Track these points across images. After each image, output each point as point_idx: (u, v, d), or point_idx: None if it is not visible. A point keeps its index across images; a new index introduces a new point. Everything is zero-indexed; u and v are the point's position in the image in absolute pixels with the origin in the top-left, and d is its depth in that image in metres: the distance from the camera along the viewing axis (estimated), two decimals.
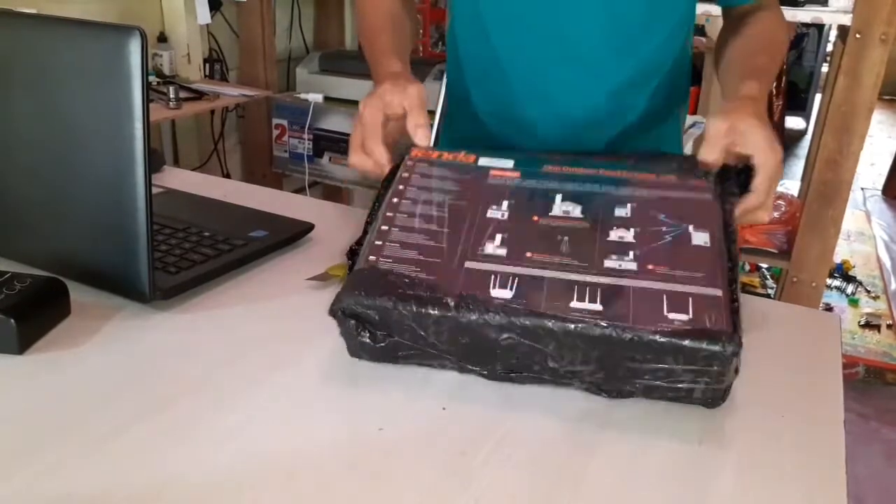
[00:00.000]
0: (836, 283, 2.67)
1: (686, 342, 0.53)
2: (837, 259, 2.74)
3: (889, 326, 2.43)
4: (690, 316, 0.55)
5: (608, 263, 0.60)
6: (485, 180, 0.69)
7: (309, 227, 0.85)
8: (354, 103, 2.25)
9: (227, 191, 0.96)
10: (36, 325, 0.62)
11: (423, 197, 0.67)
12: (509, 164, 0.71)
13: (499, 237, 0.63)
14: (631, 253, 0.61)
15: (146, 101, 0.61)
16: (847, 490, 0.51)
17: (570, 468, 0.51)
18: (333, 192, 2.58)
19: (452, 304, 0.57)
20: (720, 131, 0.68)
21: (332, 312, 0.59)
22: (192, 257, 0.74)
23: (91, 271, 0.69)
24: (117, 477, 0.48)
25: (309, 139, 2.29)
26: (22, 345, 0.60)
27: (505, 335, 0.56)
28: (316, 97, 2.26)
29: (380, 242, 0.63)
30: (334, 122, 2.25)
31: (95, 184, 0.65)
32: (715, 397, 0.57)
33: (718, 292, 0.57)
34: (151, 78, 1.98)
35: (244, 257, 0.77)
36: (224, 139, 2.39)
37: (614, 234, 0.63)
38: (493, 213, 0.65)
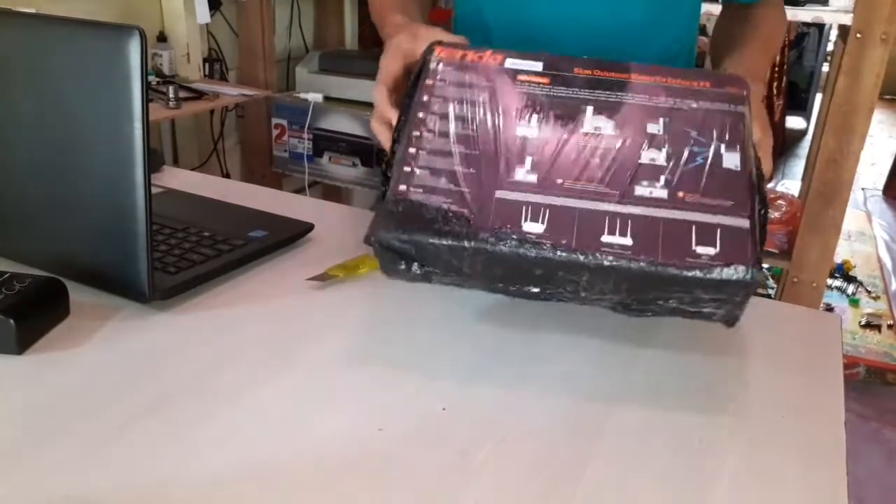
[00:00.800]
0: (837, 283, 2.67)
1: (713, 276, 0.55)
2: (838, 259, 2.74)
3: (890, 327, 2.43)
4: (717, 249, 0.56)
5: (639, 191, 0.60)
6: (513, 87, 0.66)
7: (309, 227, 0.85)
8: (354, 103, 2.27)
9: (227, 191, 0.96)
10: (35, 326, 0.62)
11: (449, 110, 0.65)
12: (538, 66, 0.67)
13: (529, 160, 0.62)
14: (662, 178, 0.60)
15: (146, 100, 0.60)
16: (848, 490, 0.51)
17: (570, 468, 0.51)
18: (333, 192, 2.58)
19: (487, 238, 0.58)
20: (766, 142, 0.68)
21: (367, 241, 0.60)
22: (192, 257, 0.74)
23: (90, 271, 0.69)
24: (117, 477, 0.48)
25: (309, 139, 2.29)
26: (21, 345, 0.60)
27: (539, 269, 0.58)
28: (316, 97, 2.26)
29: (409, 169, 0.62)
30: (334, 122, 2.25)
31: (95, 184, 0.64)
32: (734, 318, 0.60)
33: (745, 223, 0.58)
34: (151, 77, 1.98)
35: (244, 257, 0.77)
36: (224, 139, 2.39)
37: (646, 156, 0.61)
38: (522, 129, 0.63)
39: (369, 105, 0.72)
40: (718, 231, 0.57)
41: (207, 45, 2.25)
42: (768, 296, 2.37)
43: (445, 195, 0.60)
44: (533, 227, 0.58)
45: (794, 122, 4.55)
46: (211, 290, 0.72)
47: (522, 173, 0.61)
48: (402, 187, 0.61)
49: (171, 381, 0.58)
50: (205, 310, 0.69)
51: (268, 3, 2.29)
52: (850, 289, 2.65)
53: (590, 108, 0.64)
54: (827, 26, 3.99)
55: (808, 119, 4.62)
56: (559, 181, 0.60)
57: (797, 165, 3.98)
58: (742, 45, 0.81)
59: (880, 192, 3.90)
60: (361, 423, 0.55)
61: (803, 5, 1.72)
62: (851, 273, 2.75)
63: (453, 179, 0.61)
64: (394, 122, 0.68)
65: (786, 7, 1.68)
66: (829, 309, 2.44)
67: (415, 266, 0.61)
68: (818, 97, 4.16)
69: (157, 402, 0.55)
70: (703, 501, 0.49)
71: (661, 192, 0.59)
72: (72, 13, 0.68)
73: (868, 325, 2.43)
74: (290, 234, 0.83)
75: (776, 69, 3.60)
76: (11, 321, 0.59)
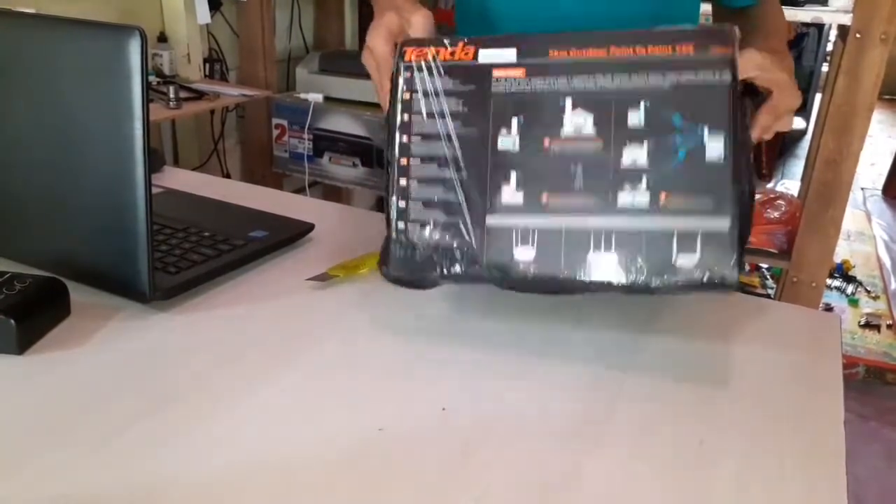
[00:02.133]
0: (836, 283, 2.67)
1: (693, 285, 0.60)
2: (837, 259, 2.74)
3: (889, 326, 2.43)
4: (699, 257, 0.59)
5: (622, 199, 0.61)
6: (489, 88, 0.65)
7: (309, 228, 0.85)
8: (355, 103, 2.28)
9: (227, 191, 0.96)
10: (36, 326, 0.62)
11: (431, 129, 0.65)
12: (511, 55, 0.65)
13: (513, 177, 0.63)
14: (644, 180, 0.61)
15: (146, 100, 0.61)
16: (847, 490, 0.51)
17: (570, 468, 0.51)
18: (333, 192, 2.58)
19: (484, 273, 0.63)
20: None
21: (380, 270, 0.67)
22: (192, 257, 0.74)
23: (91, 271, 0.69)
24: (117, 477, 0.48)
25: (309, 139, 2.29)
26: (22, 345, 0.60)
27: (534, 284, 0.63)
28: (316, 97, 2.26)
29: (403, 204, 0.65)
30: (334, 122, 2.25)
31: (95, 184, 0.65)
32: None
33: (726, 224, 0.59)
34: (151, 78, 1.98)
35: (244, 257, 0.77)
36: (224, 139, 2.39)
37: (627, 157, 0.62)
38: (503, 141, 0.64)
39: (370, 105, 0.72)
40: (699, 238, 0.60)
41: (208, 46, 2.25)
42: (767, 296, 2.37)
43: (441, 228, 0.64)
44: (524, 254, 0.62)
45: (793, 122, 4.54)
46: (211, 290, 0.72)
47: (509, 193, 0.63)
48: (401, 225, 0.65)
49: (172, 381, 0.58)
50: (205, 310, 0.69)
51: (268, 4, 2.29)
52: (850, 289, 2.65)
53: (568, 102, 0.63)
54: (826, 26, 3.99)
55: (807, 119, 4.61)
56: (544, 199, 0.62)
57: (797, 165, 3.98)
58: (752, 35, 0.80)
59: (880, 192, 3.90)
60: (361, 423, 0.55)
61: (802, 5, 1.72)
62: (851, 273, 2.75)
63: (446, 209, 0.64)
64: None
65: (785, 7, 1.69)
66: (829, 309, 2.44)
67: (426, 285, 0.67)
68: (818, 97, 4.16)
69: (157, 401, 0.55)
70: (703, 501, 0.49)
71: (642, 199, 0.61)
72: (72, 13, 0.68)
73: (867, 325, 2.43)
74: (291, 234, 0.83)
75: None
76: (12, 321, 0.59)
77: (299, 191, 2.28)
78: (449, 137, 0.65)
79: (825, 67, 4.33)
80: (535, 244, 0.62)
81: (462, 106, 0.65)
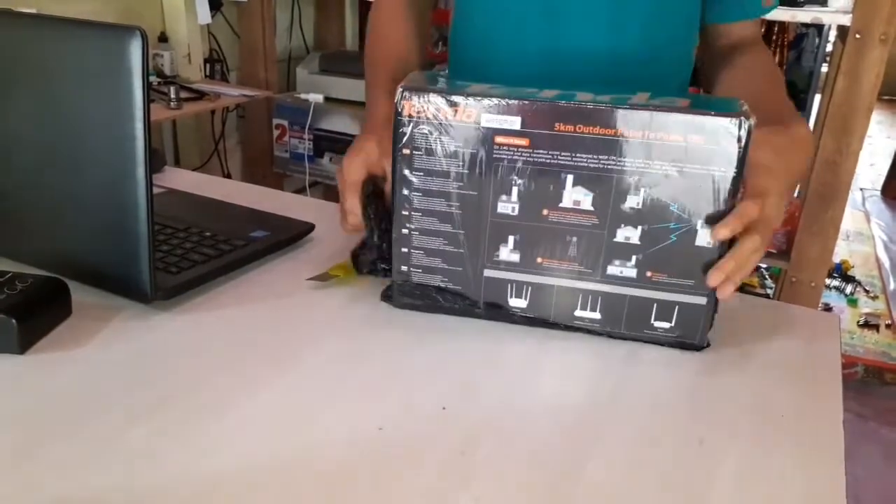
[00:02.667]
0: (835, 283, 2.67)
1: (665, 343, 0.67)
2: (836, 259, 2.74)
3: (888, 326, 2.43)
4: (673, 324, 0.66)
5: (611, 270, 0.65)
6: (491, 154, 0.64)
7: (309, 228, 0.85)
8: (355, 103, 2.28)
9: (228, 191, 0.96)
10: (37, 325, 0.62)
11: (432, 186, 0.66)
12: (516, 123, 0.62)
13: (511, 239, 0.66)
14: (633, 258, 0.65)
15: (147, 101, 0.61)
16: (846, 490, 0.51)
17: (569, 468, 0.51)
18: (334, 192, 2.57)
19: (481, 314, 0.69)
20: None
21: (385, 299, 0.72)
22: (193, 257, 0.74)
23: (92, 271, 0.69)
24: (117, 477, 0.48)
25: (309, 139, 2.29)
26: (23, 345, 0.60)
27: (526, 324, 0.69)
28: (316, 97, 2.26)
29: (405, 250, 0.69)
30: (335, 123, 2.25)
31: (96, 184, 0.65)
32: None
33: (703, 300, 0.65)
34: (152, 78, 1.98)
35: (245, 257, 0.77)
36: (224, 139, 2.39)
37: (621, 234, 0.64)
38: (503, 206, 0.65)
39: None
40: (677, 308, 0.65)
41: (208, 46, 2.25)
42: (767, 296, 2.37)
43: (441, 274, 0.69)
44: (517, 303, 0.68)
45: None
46: (212, 290, 0.72)
47: (506, 252, 0.67)
48: (404, 268, 0.69)
49: (173, 381, 0.58)
50: (206, 310, 0.69)
51: (268, 4, 2.29)
52: (849, 288, 2.65)
53: (570, 179, 0.63)
54: (826, 27, 3.99)
55: (807, 119, 4.61)
56: (539, 260, 0.66)
57: None
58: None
59: (879, 193, 3.90)
60: (361, 423, 0.55)
61: (802, 6, 1.72)
62: (850, 273, 2.75)
63: (445, 259, 0.68)
64: (355, 210, 0.73)
65: (785, 7, 1.69)
66: (828, 309, 2.44)
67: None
68: (817, 98, 4.16)
69: (158, 401, 0.56)
70: (703, 501, 0.49)
71: (630, 272, 0.65)
72: (72, 13, 0.68)
73: (866, 325, 2.43)
74: (291, 234, 0.84)
75: None
76: (14, 321, 0.59)
77: (300, 191, 2.28)
78: (449, 196, 0.66)
79: (825, 68, 4.33)
80: (528, 296, 0.68)
81: (463, 168, 0.65)
